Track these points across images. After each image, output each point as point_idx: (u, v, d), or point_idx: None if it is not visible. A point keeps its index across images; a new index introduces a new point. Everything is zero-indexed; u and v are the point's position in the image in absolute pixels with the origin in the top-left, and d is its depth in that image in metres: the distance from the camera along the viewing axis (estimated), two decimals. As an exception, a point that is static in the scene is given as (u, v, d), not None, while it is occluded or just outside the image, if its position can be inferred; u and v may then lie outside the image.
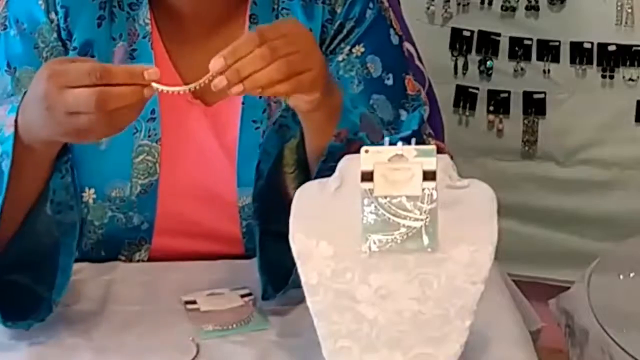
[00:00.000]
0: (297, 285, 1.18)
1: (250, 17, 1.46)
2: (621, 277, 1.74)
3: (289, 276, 1.25)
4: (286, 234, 1.18)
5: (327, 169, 1.24)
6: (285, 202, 1.22)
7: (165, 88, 1.20)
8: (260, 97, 1.45)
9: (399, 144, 1.16)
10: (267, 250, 1.30)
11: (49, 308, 1.29)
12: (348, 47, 1.47)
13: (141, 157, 1.44)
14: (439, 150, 1.34)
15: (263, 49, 1.20)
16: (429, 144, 1.47)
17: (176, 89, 1.22)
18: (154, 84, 1.19)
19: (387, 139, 1.19)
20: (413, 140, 1.19)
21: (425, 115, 1.51)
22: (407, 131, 1.43)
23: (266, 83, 1.20)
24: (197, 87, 1.22)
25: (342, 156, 1.19)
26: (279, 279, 1.28)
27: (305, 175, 1.35)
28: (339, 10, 1.47)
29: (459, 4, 2.42)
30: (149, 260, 1.48)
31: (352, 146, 1.29)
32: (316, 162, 1.32)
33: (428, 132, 1.54)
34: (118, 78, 1.18)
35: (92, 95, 1.16)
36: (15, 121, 1.25)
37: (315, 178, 1.24)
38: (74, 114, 1.17)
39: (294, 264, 1.17)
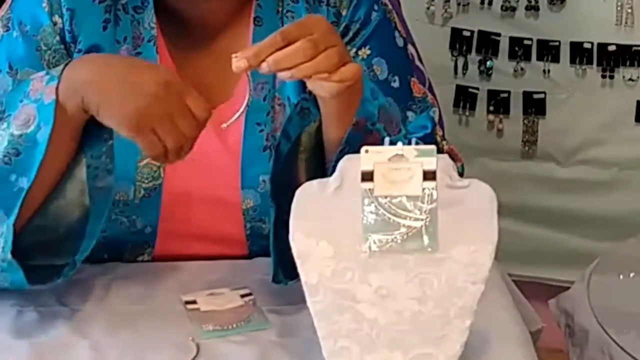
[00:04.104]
0: None
1: (254, 19, 1.46)
2: (621, 277, 1.75)
3: None
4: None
5: None
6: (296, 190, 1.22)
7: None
8: (265, 100, 1.45)
9: (399, 143, 1.16)
10: (280, 237, 1.30)
11: (72, 267, 1.31)
12: (354, 50, 1.46)
13: (145, 161, 1.44)
14: (452, 155, 1.34)
15: (302, 44, 1.21)
16: (442, 147, 1.47)
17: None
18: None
19: (387, 139, 1.19)
20: (413, 140, 1.19)
21: (436, 117, 1.50)
22: (420, 133, 1.43)
23: (315, 72, 1.22)
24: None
25: (360, 146, 1.19)
26: (292, 267, 1.28)
27: (318, 164, 1.35)
28: (344, 13, 1.47)
29: (459, 4, 2.42)
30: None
31: (369, 137, 1.29)
32: (333, 151, 1.32)
33: (442, 134, 1.53)
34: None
35: (192, 126, 1.28)
36: (57, 89, 1.27)
37: (332, 168, 1.24)
38: (172, 121, 1.25)
39: None
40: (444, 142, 1.51)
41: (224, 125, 1.29)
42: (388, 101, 1.41)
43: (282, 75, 1.22)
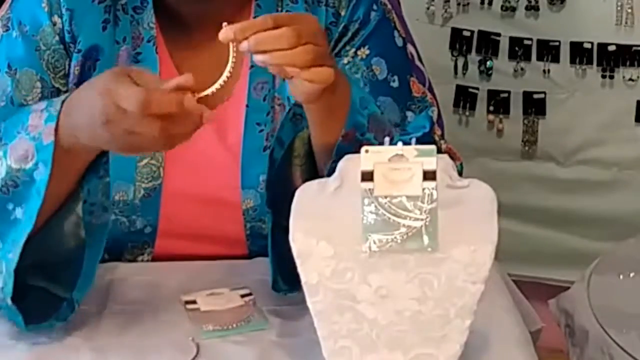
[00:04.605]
0: None
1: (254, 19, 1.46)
2: (621, 277, 1.75)
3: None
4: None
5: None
6: (293, 196, 1.22)
7: (196, 98, 1.22)
8: (265, 100, 1.45)
9: (399, 143, 1.16)
10: (278, 243, 1.30)
11: (71, 308, 1.29)
12: (353, 50, 1.47)
13: (145, 161, 1.44)
14: (450, 154, 1.34)
15: (286, 30, 1.19)
16: (440, 146, 1.47)
17: (206, 92, 1.23)
18: (189, 97, 1.21)
19: (387, 139, 1.19)
20: (413, 140, 1.19)
21: (435, 117, 1.50)
22: (418, 133, 1.43)
23: (289, 63, 1.20)
24: (222, 83, 1.23)
25: None
26: (291, 273, 1.28)
27: (313, 170, 1.34)
28: (343, 13, 1.47)
29: (459, 4, 2.42)
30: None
31: (360, 147, 1.29)
32: (323, 160, 1.31)
33: (440, 133, 1.53)
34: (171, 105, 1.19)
35: (156, 121, 1.17)
36: (56, 129, 1.25)
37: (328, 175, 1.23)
38: (134, 133, 1.18)
39: None
40: (442, 142, 1.51)
41: (195, 95, 1.24)
42: (385, 103, 1.40)
43: (257, 58, 1.20)
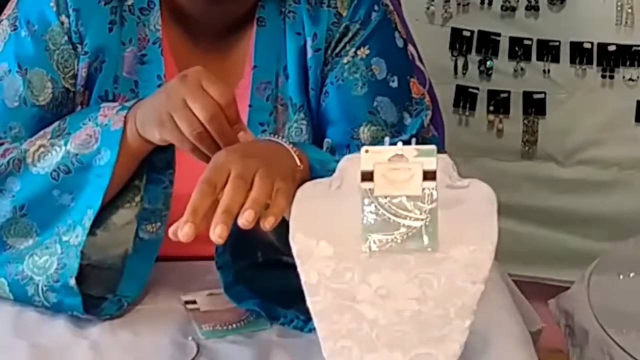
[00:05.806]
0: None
1: (257, 20, 1.46)
2: (621, 277, 1.75)
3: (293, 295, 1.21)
4: (276, 261, 1.26)
5: None
6: (262, 239, 1.25)
7: None
8: (268, 100, 1.45)
9: (399, 144, 1.16)
10: (261, 281, 1.32)
11: (118, 304, 1.33)
12: (353, 50, 1.47)
13: None
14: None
15: (233, 181, 1.17)
16: None
17: None
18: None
19: (387, 139, 1.19)
20: (413, 140, 1.19)
21: (426, 121, 1.51)
22: (405, 136, 1.43)
23: (259, 209, 1.17)
24: None
25: None
26: (283, 298, 1.29)
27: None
28: (344, 13, 1.47)
29: (459, 4, 2.42)
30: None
31: None
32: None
33: (431, 135, 1.53)
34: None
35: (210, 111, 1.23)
36: (125, 117, 1.30)
37: None
38: (187, 106, 1.23)
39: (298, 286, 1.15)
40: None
41: None
42: (382, 103, 1.40)
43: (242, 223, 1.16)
